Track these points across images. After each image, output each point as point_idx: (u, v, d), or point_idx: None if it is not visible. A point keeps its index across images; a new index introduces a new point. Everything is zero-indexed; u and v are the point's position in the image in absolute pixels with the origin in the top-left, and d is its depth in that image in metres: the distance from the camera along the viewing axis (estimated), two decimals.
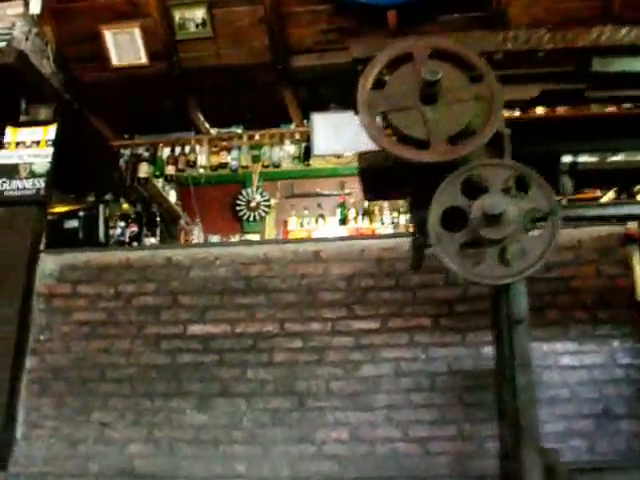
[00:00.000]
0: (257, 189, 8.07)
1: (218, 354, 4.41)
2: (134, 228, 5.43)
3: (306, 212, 8.05)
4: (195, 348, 4.44)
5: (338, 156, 6.11)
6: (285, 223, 8.13)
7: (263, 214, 8.20)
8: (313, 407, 4.21)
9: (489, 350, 4.12)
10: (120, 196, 5.97)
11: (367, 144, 5.71)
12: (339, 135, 5.71)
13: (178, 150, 6.11)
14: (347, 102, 5.87)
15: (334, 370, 4.28)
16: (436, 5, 4.87)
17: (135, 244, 5.46)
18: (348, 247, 4.70)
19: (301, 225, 7.99)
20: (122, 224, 5.46)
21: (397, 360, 4.25)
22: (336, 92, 5.70)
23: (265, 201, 8.19)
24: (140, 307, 4.63)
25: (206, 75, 5.39)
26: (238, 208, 8.24)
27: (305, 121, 5.94)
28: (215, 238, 8.30)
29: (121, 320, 4.59)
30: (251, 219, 8.19)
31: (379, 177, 2.87)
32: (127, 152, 6.20)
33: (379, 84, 2.41)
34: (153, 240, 5.62)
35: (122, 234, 5.41)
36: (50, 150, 5.11)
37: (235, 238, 8.26)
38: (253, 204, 8.16)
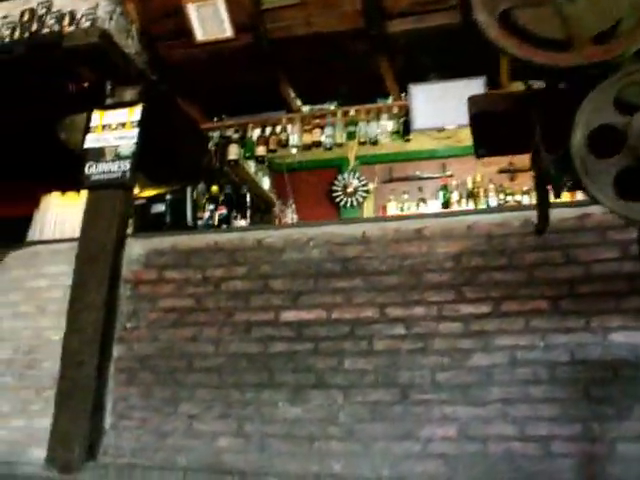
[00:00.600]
0: (354, 173, 7.69)
1: (313, 342, 4.09)
2: (223, 210, 5.18)
3: (406, 196, 7.60)
4: (288, 336, 4.13)
5: (439, 130, 5.64)
6: (384, 208, 7.71)
7: (361, 199, 7.80)
8: (417, 400, 3.81)
9: (618, 336, 3.63)
10: (209, 180, 5.74)
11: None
12: (440, 108, 5.28)
13: (269, 130, 5.81)
14: (448, 71, 5.50)
15: (441, 359, 3.87)
16: None
17: (224, 227, 5.21)
18: (454, 223, 4.26)
19: (401, 210, 7.54)
20: (211, 207, 5.22)
21: (512, 348, 3.79)
22: (436, 60, 5.25)
23: (363, 186, 7.79)
24: (229, 293, 4.37)
25: (296, 46, 5.07)
26: (335, 194, 7.88)
27: (403, 94, 5.51)
28: None
29: (209, 306, 4.36)
30: (348, 205, 7.81)
31: (494, 124, 2.41)
32: (216, 134, 5.95)
33: None
34: (243, 223, 5.35)
35: (211, 217, 5.17)
36: (135, 131, 4.92)
37: None
38: (350, 189, 7.78)
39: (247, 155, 5.78)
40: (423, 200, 7.52)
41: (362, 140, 5.52)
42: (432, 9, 4.77)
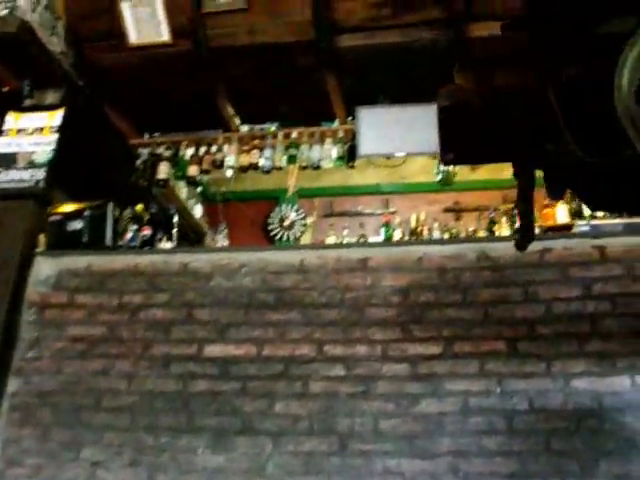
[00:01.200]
0: (292, 206, 7.28)
1: (240, 381, 3.63)
2: (147, 231, 4.66)
3: (346, 232, 7.21)
4: (212, 373, 3.68)
5: (388, 157, 5.29)
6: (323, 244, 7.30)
7: (298, 234, 7.37)
8: (357, 451, 3.37)
9: (581, 383, 3.30)
10: (135, 199, 5.24)
11: (421, 143, 4.93)
12: (389, 134, 4.93)
13: (203, 150, 5.35)
14: (400, 94, 5.19)
15: (384, 405, 3.46)
16: None
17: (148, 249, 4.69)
18: (402, 254, 3.88)
19: None
20: (134, 227, 4.70)
21: (465, 394, 3.43)
22: (387, 81, 4.93)
23: (301, 219, 7.38)
24: (147, 322, 3.89)
25: (238, 56, 4.69)
26: (270, 227, 7.43)
27: (350, 118, 5.15)
28: None
29: (124, 337, 3.86)
30: (284, 239, 7.37)
31: (468, 122, 2.02)
32: (146, 151, 5.46)
33: None
34: (169, 246, 4.84)
35: (133, 239, 4.64)
36: (54, 138, 4.41)
37: None
38: (287, 222, 7.35)
39: (178, 175, 5.30)
40: (364, 237, 7.14)
41: (303, 164, 5.11)
42: (385, 25, 4.46)
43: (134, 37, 4.58)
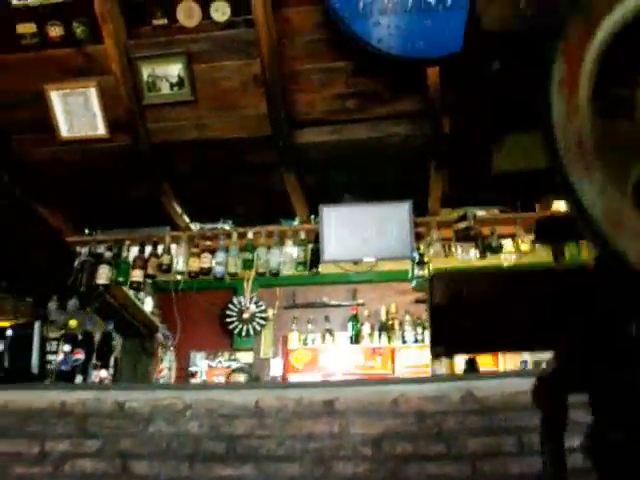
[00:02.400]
0: (251, 298, 6.67)
1: None
2: (79, 355, 4.03)
3: (310, 326, 6.63)
4: None
5: (355, 262, 4.76)
6: (285, 339, 6.71)
7: (258, 327, 6.78)
8: None
9: None
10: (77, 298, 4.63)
11: (393, 247, 4.41)
12: (356, 235, 4.39)
13: (149, 250, 4.74)
14: (367, 192, 4.68)
15: None
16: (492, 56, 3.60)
17: (80, 378, 4.03)
18: (375, 395, 3.27)
19: (304, 343, 6.56)
20: (66, 348, 4.07)
21: None
22: (352, 178, 4.41)
23: (261, 312, 6.79)
24: (74, 476, 3.17)
25: (184, 151, 4.12)
26: (228, 320, 6.82)
27: (312, 216, 4.60)
28: (200, 355, 6.90)
29: None
30: (243, 333, 6.76)
31: (465, 314, 1.48)
32: (85, 250, 4.83)
33: None
34: (104, 373, 4.17)
35: (65, 362, 4.01)
36: None
37: (224, 356, 6.85)
38: (246, 315, 6.75)
39: (120, 280, 4.67)
40: (330, 331, 6.57)
41: (261, 270, 4.52)
42: (350, 119, 3.96)
43: (65, 130, 4.01)
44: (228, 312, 6.83)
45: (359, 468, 3.05)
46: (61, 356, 4.07)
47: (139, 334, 6.60)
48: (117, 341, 6.58)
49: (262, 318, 6.78)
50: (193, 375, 6.79)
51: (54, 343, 4.31)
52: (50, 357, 4.20)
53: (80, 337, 4.15)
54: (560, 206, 4.73)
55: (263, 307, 6.79)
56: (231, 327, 6.81)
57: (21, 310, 4.67)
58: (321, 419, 3.20)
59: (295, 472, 3.08)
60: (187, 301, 6.51)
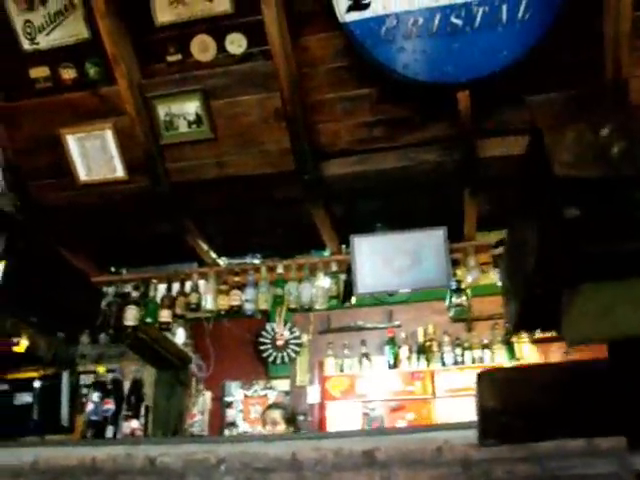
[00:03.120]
0: (285, 323, 6.51)
1: None
2: (110, 405, 3.90)
3: (346, 351, 6.44)
4: None
5: (390, 294, 4.56)
6: (321, 365, 6.52)
7: (293, 354, 6.61)
8: None
9: None
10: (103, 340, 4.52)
11: (428, 276, 4.21)
12: (389, 265, 4.19)
13: (176, 287, 4.60)
14: (399, 220, 4.49)
15: None
16: (523, 80, 3.40)
17: (111, 428, 3.90)
18: (417, 443, 3.03)
19: (341, 369, 6.37)
20: (96, 397, 3.94)
21: None
22: (383, 206, 4.21)
23: (295, 338, 6.62)
24: None
25: (205, 191, 3.98)
26: (262, 347, 6.66)
27: (344, 246, 4.42)
28: (235, 385, 6.75)
29: None
30: (278, 361, 6.60)
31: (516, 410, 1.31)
32: (111, 290, 4.71)
33: None
34: (136, 424, 4.03)
35: (95, 412, 3.88)
36: None
37: (259, 384, 6.69)
38: (280, 342, 6.59)
39: (148, 321, 4.54)
40: (367, 356, 6.37)
41: (292, 306, 4.35)
42: (377, 148, 3.77)
43: (83, 174, 3.89)
44: (261, 339, 6.68)
45: None
46: (91, 406, 3.94)
47: (173, 366, 6.47)
48: (150, 372, 6.50)
49: (297, 344, 6.61)
50: (229, 405, 6.65)
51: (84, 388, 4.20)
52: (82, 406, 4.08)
53: (110, 386, 4.02)
54: None
55: (297, 333, 6.62)
56: (265, 355, 6.65)
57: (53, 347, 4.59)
58: (362, 471, 3.01)
59: None
60: (220, 329, 6.36)
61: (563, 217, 0.73)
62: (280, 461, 3.16)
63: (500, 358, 6.10)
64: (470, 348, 6.26)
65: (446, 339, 6.29)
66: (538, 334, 5.50)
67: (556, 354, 5.82)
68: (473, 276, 4.26)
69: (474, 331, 6.34)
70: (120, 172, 3.88)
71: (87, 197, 4.04)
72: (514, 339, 6.15)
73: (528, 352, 5.96)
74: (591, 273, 0.82)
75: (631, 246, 0.76)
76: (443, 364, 6.19)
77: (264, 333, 6.68)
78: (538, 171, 0.76)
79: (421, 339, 6.40)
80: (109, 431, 3.90)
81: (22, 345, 4.59)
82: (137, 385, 4.34)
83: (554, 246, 0.79)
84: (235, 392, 6.73)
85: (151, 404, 5.58)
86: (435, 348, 6.31)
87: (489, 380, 1.38)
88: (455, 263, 4.31)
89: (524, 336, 5.97)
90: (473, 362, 6.14)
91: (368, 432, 3.85)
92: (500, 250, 4.16)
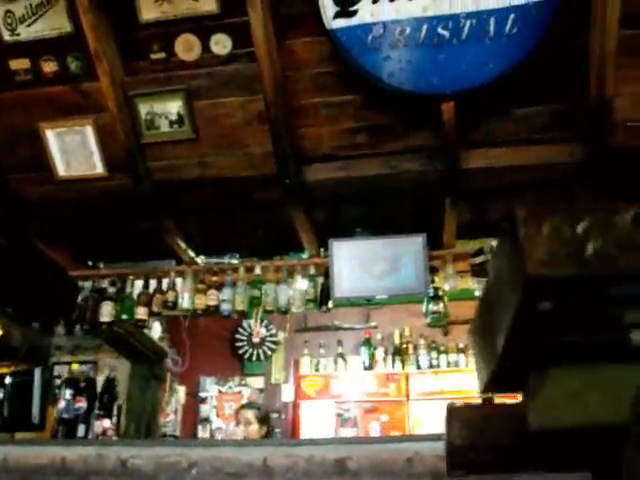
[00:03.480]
0: (261, 321, 6.49)
1: None
2: (82, 403, 3.86)
3: (322, 351, 6.44)
4: None
5: (368, 300, 4.57)
6: (296, 364, 6.53)
7: (269, 352, 6.61)
8: None
9: None
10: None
11: (407, 283, 4.21)
12: (368, 270, 4.19)
13: (153, 284, 4.56)
14: (379, 226, 4.49)
15: None
16: (508, 94, 3.40)
17: (82, 427, 3.86)
18: (388, 453, 3.05)
19: (316, 368, 6.38)
20: (68, 394, 3.90)
21: None
22: (363, 212, 4.21)
23: (271, 336, 6.61)
24: None
25: (186, 191, 3.94)
26: (238, 344, 6.65)
27: (322, 250, 4.41)
28: (210, 380, 6.73)
29: None
30: (254, 358, 6.59)
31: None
32: (87, 285, 4.67)
33: None
34: (108, 424, 3.99)
35: (67, 409, 3.84)
36: None
37: (234, 381, 6.70)
38: (256, 339, 6.58)
39: (124, 317, 4.50)
40: (342, 356, 6.39)
41: (269, 308, 4.34)
42: (360, 154, 3.76)
43: (62, 169, 3.84)
44: (238, 336, 6.67)
45: None
46: (63, 403, 3.90)
47: (148, 360, 6.44)
48: (125, 366, 6.47)
49: (273, 342, 6.61)
50: (203, 401, 6.63)
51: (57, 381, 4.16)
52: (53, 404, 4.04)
53: (82, 384, 3.98)
54: None
55: (274, 331, 6.62)
56: (241, 352, 6.64)
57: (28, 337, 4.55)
58: (333, 479, 3.02)
59: None
60: (196, 325, 6.34)
61: (535, 309, 0.73)
62: (252, 467, 3.16)
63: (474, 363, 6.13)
64: (446, 352, 6.29)
65: (422, 342, 6.31)
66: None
67: None
68: (450, 284, 4.27)
69: (450, 335, 6.36)
70: (100, 169, 3.83)
71: (66, 192, 3.99)
72: None
73: None
74: (560, 359, 0.82)
75: (603, 337, 0.76)
76: (418, 367, 6.21)
77: (240, 330, 6.67)
78: (511, 262, 0.76)
79: (397, 341, 6.41)
80: (81, 430, 3.86)
81: None
82: (110, 384, 4.30)
83: (525, 332, 0.78)
84: (210, 388, 6.72)
85: (124, 401, 5.55)
86: (411, 351, 6.33)
87: (458, 416, 1.38)
88: (433, 270, 4.32)
89: None
90: (448, 366, 6.17)
91: (340, 440, 3.87)
92: (479, 258, 4.18)
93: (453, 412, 1.40)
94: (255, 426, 4.11)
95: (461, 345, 6.26)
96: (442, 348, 6.29)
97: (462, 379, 5.93)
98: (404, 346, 6.36)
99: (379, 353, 6.32)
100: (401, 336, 6.41)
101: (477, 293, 4.55)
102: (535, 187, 3.55)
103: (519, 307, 0.74)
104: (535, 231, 0.70)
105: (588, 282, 0.70)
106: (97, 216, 4.21)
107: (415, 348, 6.32)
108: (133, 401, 6.22)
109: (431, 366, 6.19)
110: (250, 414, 4.18)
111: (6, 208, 4.13)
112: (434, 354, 6.26)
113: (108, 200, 4.00)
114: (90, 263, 4.95)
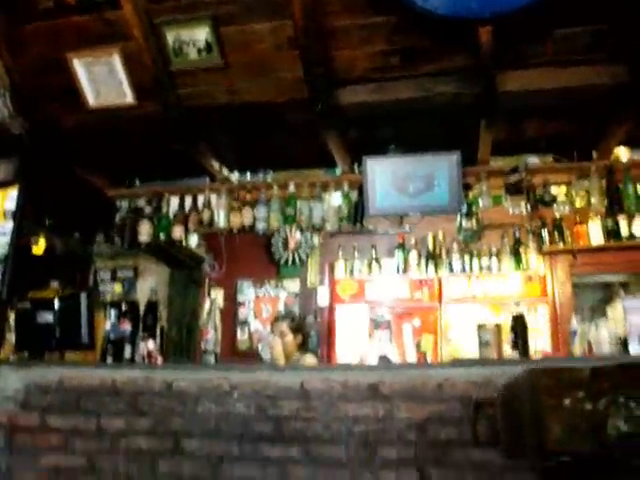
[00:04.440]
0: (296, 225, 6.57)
1: None
2: (126, 326, 4.03)
3: (357, 254, 6.51)
4: None
5: (401, 218, 4.58)
6: (331, 267, 6.62)
7: (304, 256, 6.67)
8: None
9: None
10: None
11: (440, 201, 4.21)
12: (402, 188, 4.19)
13: (188, 202, 4.63)
14: (413, 143, 4.43)
15: None
16: (549, 15, 3.25)
17: (128, 348, 4.05)
18: (420, 379, 3.19)
19: (351, 272, 6.45)
20: (113, 317, 4.07)
21: None
22: (397, 131, 4.16)
23: (306, 240, 6.66)
24: (132, 452, 3.23)
25: (217, 116, 3.92)
26: (273, 249, 6.74)
27: (355, 165, 4.39)
28: (247, 284, 6.88)
29: (105, 468, 3.19)
30: (289, 262, 6.68)
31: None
32: (124, 204, 4.76)
33: None
34: (152, 346, 4.16)
35: (113, 331, 4.02)
36: (9, 227, 3.74)
37: (270, 285, 6.82)
38: (292, 244, 6.65)
39: (161, 236, 4.60)
40: (377, 260, 6.45)
41: (304, 225, 4.40)
42: (394, 77, 3.67)
43: (92, 99, 3.83)
44: (273, 241, 6.76)
45: (403, 452, 3.03)
46: (109, 325, 4.08)
47: (186, 266, 6.62)
48: (165, 271, 6.67)
49: (308, 247, 6.69)
50: (241, 304, 6.82)
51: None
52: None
53: (125, 307, 4.14)
54: (619, 154, 4.42)
55: (309, 235, 6.68)
56: (277, 256, 6.75)
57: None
58: (366, 403, 3.16)
59: (341, 455, 3.08)
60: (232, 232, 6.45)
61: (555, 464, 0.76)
62: (289, 390, 3.35)
63: (507, 268, 6.17)
64: (479, 256, 6.32)
65: (455, 246, 6.34)
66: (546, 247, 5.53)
67: (563, 264, 5.90)
68: (484, 201, 4.26)
69: (483, 240, 6.38)
70: (130, 98, 3.82)
71: (97, 121, 4.00)
72: (522, 250, 6.19)
73: (535, 263, 6.01)
74: None
75: None
76: (451, 270, 6.27)
77: (276, 235, 6.75)
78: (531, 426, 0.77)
79: (431, 246, 6.45)
80: (127, 350, 4.05)
81: (40, 245, 4.70)
82: (152, 306, 4.46)
83: None
84: (247, 291, 6.89)
85: (165, 306, 5.75)
86: (444, 255, 6.37)
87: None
88: (467, 187, 4.30)
89: (531, 247, 5.99)
90: (481, 270, 6.22)
91: (373, 367, 4.01)
92: (513, 177, 4.15)
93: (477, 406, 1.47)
94: (290, 337, 4.23)
95: (494, 249, 6.28)
96: (475, 252, 6.32)
97: (494, 283, 5.99)
98: (437, 250, 6.40)
99: (412, 257, 6.37)
100: (434, 241, 6.43)
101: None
102: (573, 109, 3.47)
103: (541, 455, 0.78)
104: (556, 404, 0.72)
105: (604, 462, 0.73)
106: (130, 141, 4.22)
107: (448, 252, 6.36)
108: (174, 306, 6.46)
109: (464, 270, 6.24)
110: (284, 326, 4.31)
111: (38, 137, 4.16)
112: (467, 257, 6.30)
113: (140, 126, 4.00)
114: (127, 182, 5.02)
